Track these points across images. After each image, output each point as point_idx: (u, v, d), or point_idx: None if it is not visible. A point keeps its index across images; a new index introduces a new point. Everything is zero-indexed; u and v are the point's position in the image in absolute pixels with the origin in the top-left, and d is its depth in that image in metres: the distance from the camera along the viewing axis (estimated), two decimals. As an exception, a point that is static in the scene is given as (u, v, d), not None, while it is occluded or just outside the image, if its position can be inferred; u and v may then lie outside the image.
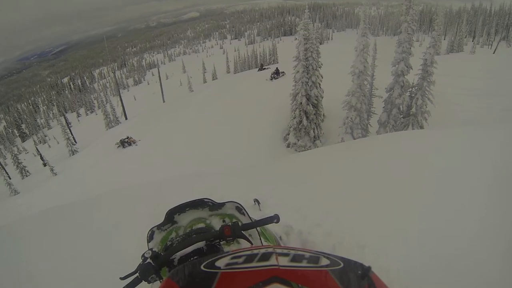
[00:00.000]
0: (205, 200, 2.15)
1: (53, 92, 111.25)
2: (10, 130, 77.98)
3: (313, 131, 19.62)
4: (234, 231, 1.53)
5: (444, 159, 5.03)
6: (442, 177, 4.54)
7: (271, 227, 2.32)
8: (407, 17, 15.46)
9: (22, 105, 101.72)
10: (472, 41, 57.72)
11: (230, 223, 1.57)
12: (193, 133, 22.00)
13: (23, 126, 75.68)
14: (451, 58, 34.73)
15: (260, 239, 1.94)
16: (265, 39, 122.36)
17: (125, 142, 23.06)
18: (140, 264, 1.45)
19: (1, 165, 32.64)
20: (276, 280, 0.79)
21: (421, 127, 16.56)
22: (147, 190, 7.46)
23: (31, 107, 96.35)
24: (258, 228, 1.93)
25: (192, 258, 1.56)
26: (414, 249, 3.26)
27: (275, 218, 1.58)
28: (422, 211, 3.86)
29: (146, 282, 1.45)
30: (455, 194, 4.08)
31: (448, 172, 4.65)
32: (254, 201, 4.75)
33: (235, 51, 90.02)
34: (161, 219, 2.08)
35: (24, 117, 79.04)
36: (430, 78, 16.08)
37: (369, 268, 0.89)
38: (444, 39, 61.37)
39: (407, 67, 16.03)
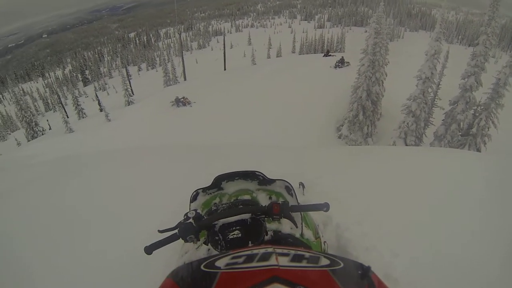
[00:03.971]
0: (257, 173, 2.21)
1: (119, 45, 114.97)
2: (75, 74, 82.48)
3: (367, 128, 19.35)
4: (283, 211, 1.54)
5: (485, 184, 4.88)
6: (481, 200, 4.45)
7: (312, 214, 2.35)
8: (488, 28, 14.65)
9: (89, 53, 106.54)
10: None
11: (280, 202, 1.58)
12: (249, 106, 22.20)
13: (87, 72, 79.75)
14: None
15: (302, 223, 1.94)
16: (335, 26, 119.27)
17: (180, 102, 23.63)
18: (181, 221, 1.51)
19: (62, 104, 34.37)
20: (276, 280, 0.80)
21: (478, 150, 15.70)
22: (193, 151, 7.73)
23: (96, 55, 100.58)
24: (302, 212, 1.98)
25: (233, 228, 1.55)
26: (447, 270, 3.19)
27: (324, 207, 1.59)
28: (458, 231, 3.81)
29: (183, 241, 1.49)
30: (491, 217, 4.00)
31: (487, 196, 4.53)
32: (299, 184, 4.61)
33: (303, 32, 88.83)
34: (200, 182, 2.18)
35: (89, 64, 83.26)
36: (500, 100, 15.09)
37: (369, 268, 0.92)
38: (524, 61, 57.65)
39: (477, 82, 15.26)
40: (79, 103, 31.84)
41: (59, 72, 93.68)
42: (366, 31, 20.03)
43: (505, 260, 3.26)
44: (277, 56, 65.40)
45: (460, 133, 16.42)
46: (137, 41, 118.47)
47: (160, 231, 1.60)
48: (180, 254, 2.04)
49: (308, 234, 1.98)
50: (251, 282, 0.80)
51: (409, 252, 3.41)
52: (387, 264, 3.21)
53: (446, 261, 3.29)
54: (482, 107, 15.73)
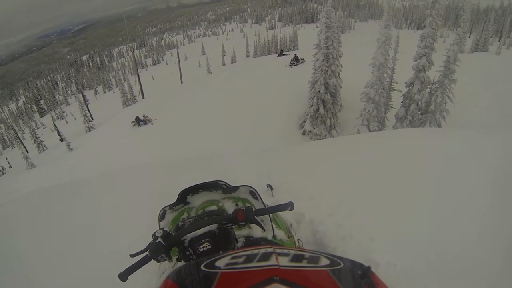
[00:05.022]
0: (219, 182, 2.15)
1: (72, 70, 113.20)
2: (29, 106, 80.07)
3: (330, 121, 19.51)
4: (247, 216, 1.53)
5: (457, 160, 4.92)
6: (454, 177, 4.46)
7: (283, 213, 2.32)
8: (433, 11, 15.08)
9: (42, 81, 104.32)
10: (498, 41, 55.99)
11: (243, 208, 1.57)
12: (209, 115, 21.98)
13: (42, 102, 77.64)
14: (475, 57, 33.77)
15: (272, 225, 1.93)
16: (286, 25, 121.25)
17: (141, 121, 23.25)
18: (150, 242, 1.47)
19: (20, 139, 33.39)
20: (276, 280, 0.79)
21: (439, 125, 16.28)
22: (161, 169, 7.51)
23: (50, 83, 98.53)
24: (270, 214, 1.92)
25: (202, 240, 1.56)
26: (421, 245, 3.23)
27: (289, 206, 1.58)
28: (431, 210, 3.80)
29: (156, 261, 1.47)
30: (463, 196, 4.02)
31: (460, 173, 4.55)
32: (267, 187, 4.63)
33: (255, 35, 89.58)
34: (171, 199, 2.10)
35: (43, 93, 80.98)
36: (452, 76, 15.68)
37: (368, 268, 0.90)
38: (469, 37, 59.67)
39: (429, 62, 15.69)
40: (37, 136, 30.66)
41: (12, 106, 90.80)
42: (317, 27, 20.17)
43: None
44: (232, 62, 66.05)
45: (420, 112, 16.86)
46: (91, 63, 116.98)
47: (132, 255, 1.57)
48: (158, 274, 2.03)
49: (280, 234, 1.97)
50: (251, 282, 0.80)
51: (385, 236, 3.47)
52: (366, 249, 3.29)
53: (421, 239, 3.36)
54: (436, 85, 16.27)
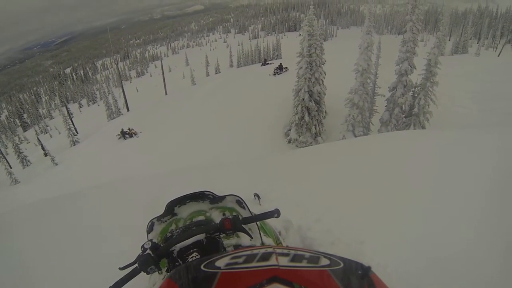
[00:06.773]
0: (206, 192, 2.14)
1: (55, 83, 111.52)
2: (12, 120, 78.47)
3: (315, 128, 19.58)
4: (235, 225, 1.52)
5: (443, 162, 4.97)
6: (440, 179, 4.50)
7: (270, 221, 2.32)
8: (413, 16, 15.35)
9: (24, 95, 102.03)
10: (477, 43, 57.33)
11: (230, 216, 1.55)
12: (195, 126, 21.97)
13: (25, 116, 76.24)
14: (456, 59, 34.55)
15: (260, 233, 1.93)
16: (269, 34, 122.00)
17: (126, 134, 23.09)
18: (139, 255, 1.45)
19: (3, 154, 32.70)
20: (276, 280, 0.79)
21: (423, 128, 16.48)
22: (147, 182, 7.43)
23: (33, 97, 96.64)
24: (258, 222, 1.92)
25: (191, 250, 1.57)
26: (411, 247, 3.26)
27: (275, 213, 1.58)
28: (420, 211, 3.82)
29: (145, 273, 1.44)
30: (452, 197, 4.03)
31: (446, 175, 4.59)
32: (254, 196, 4.61)
33: (238, 45, 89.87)
34: (160, 211, 2.07)
35: (26, 107, 79.44)
36: (434, 79, 15.95)
37: (369, 268, 0.89)
38: (449, 40, 61.09)
39: (410, 66, 15.95)
40: (21, 151, 30.30)
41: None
42: (300, 35, 20.34)
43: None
44: (216, 73, 65.65)
45: (404, 115, 17.13)
46: (74, 76, 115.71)
47: (121, 268, 1.53)
48: (148, 287, 1.97)
49: (269, 241, 1.99)
50: (251, 282, 0.80)
51: (375, 238, 3.49)
52: (355, 252, 3.31)
53: (412, 240, 3.40)
54: (419, 88, 16.55)
